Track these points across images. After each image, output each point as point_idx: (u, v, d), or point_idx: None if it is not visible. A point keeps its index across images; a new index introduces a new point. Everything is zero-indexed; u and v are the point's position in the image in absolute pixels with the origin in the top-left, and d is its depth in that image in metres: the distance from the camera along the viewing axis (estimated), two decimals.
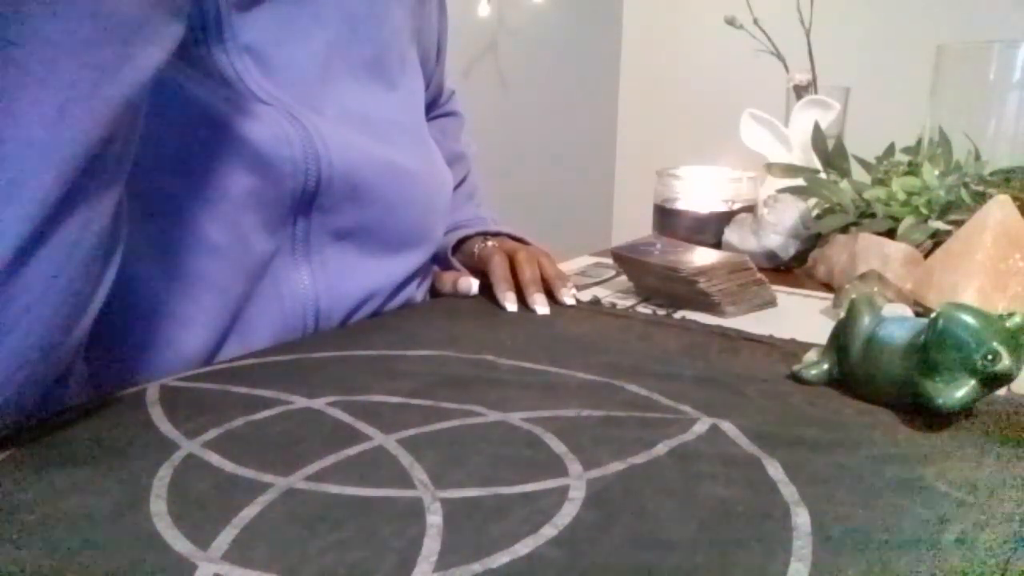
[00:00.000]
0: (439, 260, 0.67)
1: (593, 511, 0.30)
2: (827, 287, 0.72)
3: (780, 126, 0.95)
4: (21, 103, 0.30)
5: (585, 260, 0.83)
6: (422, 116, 0.64)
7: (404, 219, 0.57)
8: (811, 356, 0.46)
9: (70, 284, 0.33)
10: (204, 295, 0.46)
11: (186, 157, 0.45)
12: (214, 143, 0.45)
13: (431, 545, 0.27)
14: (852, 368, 0.43)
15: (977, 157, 0.75)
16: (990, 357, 0.37)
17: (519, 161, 1.50)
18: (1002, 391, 0.42)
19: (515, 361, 0.47)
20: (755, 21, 1.11)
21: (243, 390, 0.41)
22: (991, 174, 0.72)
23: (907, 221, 0.71)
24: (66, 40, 0.30)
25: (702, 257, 0.64)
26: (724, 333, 0.54)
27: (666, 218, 0.87)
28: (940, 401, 0.38)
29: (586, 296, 0.65)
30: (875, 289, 0.59)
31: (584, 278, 0.74)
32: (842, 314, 0.45)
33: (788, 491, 0.32)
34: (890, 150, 0.82)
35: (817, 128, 0.85)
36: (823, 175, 0.84)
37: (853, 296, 0.48)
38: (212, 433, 0.36)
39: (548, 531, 0.28)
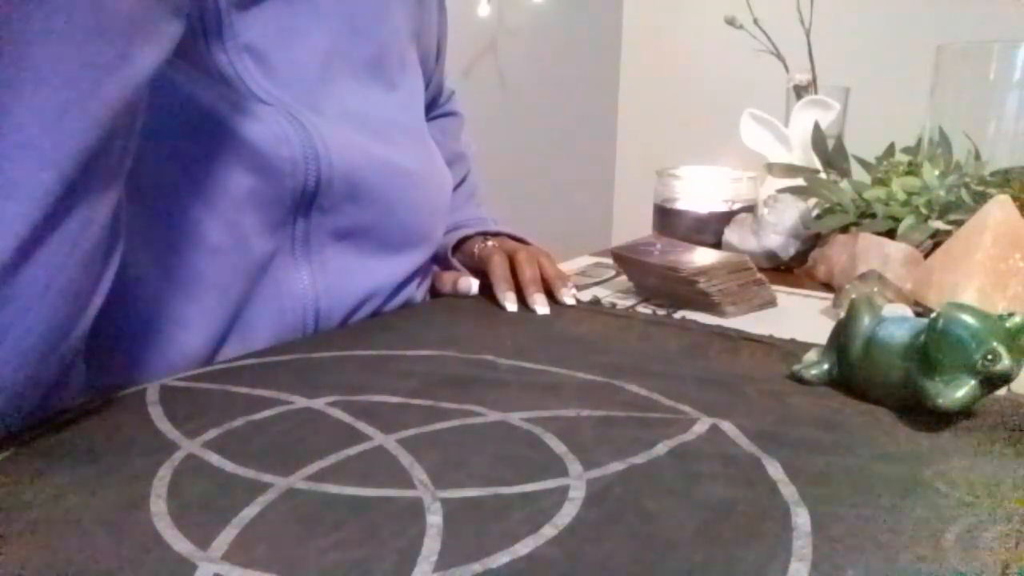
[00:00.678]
0: (439, 260, 0.67)
1: (593, 511, 0.30)
2: (827, 287, 0.72)
3: (780, 126, 0.95)
4: (20, 102, 0.30)
5: (585, 260, 0.83)
6: (422, 116, 0.63)
7: (404, 219, 0.57)
8: (811, 356, 0.46)
9: (70, 284, 0.33)
10: (204, 295, 0.46)
11: (186, 157, 0.45)
12: (214, 143, 0.45)
13: (431, 545, 0.27)
14: (852, 368, 0.43)
15: (977, 157, 0.75)
16: (990, 357, 0.37)
17: (519, 161, 1.50)
18: (1002, 391, 0.42)
19: (515, 361, 0.47)
20: (755, 21, 1.11)
21: (243, 390, 0.41)
22: (991, 174, 0.72)
23: (907, 221, 0.71)
24: (65, 39, 0.30)
25: (702, 257, 0.64)
26: (724, 333, 0.54)
27: (666, 218, 0.87)
28: (940, 401, 0.38)
29: (586, 296, 0.65)
30: (875, 289, 0.59)
31: (584, 278, 0.74)
32: (842, 314, 0.45)
33: (788, 491, 0.32)
34: (890, 150, 0.82)
35: (817, 128, 0.85)
36: (823, 175, 0.84)
37: (853, 296, 0.48)
38: (212, 433, 0.36)
39: (548, 531, 0.28)
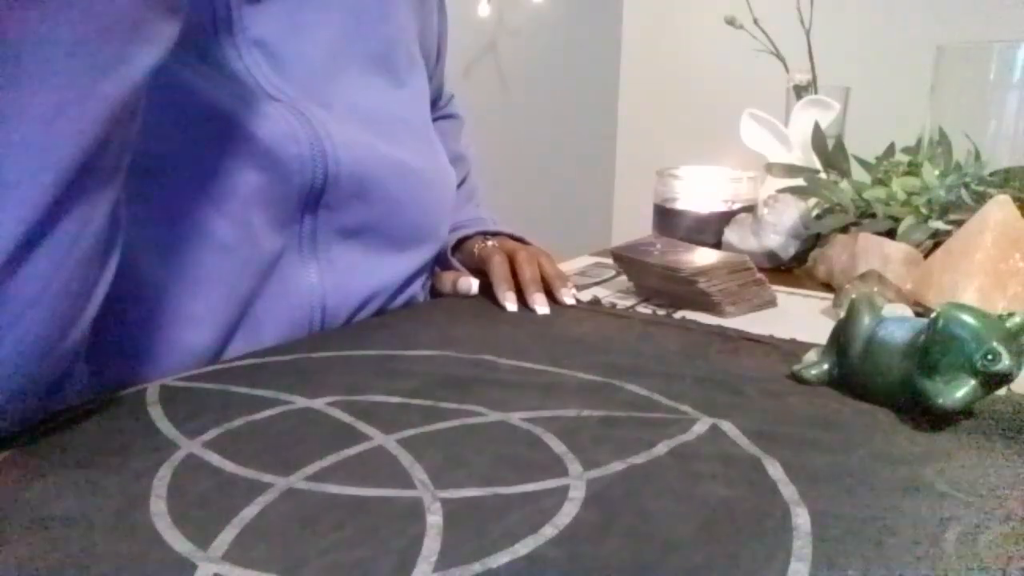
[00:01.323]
0: (439, 260, 0.67)
1: (593, 511, 0.30)
2: (827, 287, 0.72)
3: (780, 126, 0.95)
4: (17, 103, 0.30)
5: (585, 260, 0.83)
6: (428, 115, 0.64)
7: (410, 217, 0.57)
8: (811, 356, 0.46)
9: (67, 285, 0.33)
10: (212, 292, 0.47)
11: (196, 155, 0.45)
12: (223, 141, 0.46)
13: (431, 545, 0.27)
14: (852, 368, 0.43)
15: (977, 157, 0.75)
16: (990, 357, 0.37)
17: (519, 161, 1.50)
18: (1002, 391, 0.42)
19: (515, 361, 0.47)
20: (755, 21, 1.11)
21: (243, 390, 0.41)
22: (991, 174, 0.72)
23: (907, 221, 0.71)
24: (63, 39, 0.30)
25: (702, 257, 0.64)
26: (724, 333, 0.54)
27: (666, 218, 0.87)
28: (940, 401, 0.38)
29: (586, 296, 0.65)
30: (875, 289, 0.59)
31: (584, 278, 0.74)
32: (842, 314, 0.45)
33: (788, 491, 0.32)
34: (890, 150, 0.82)
35: (817, 128, 0.85)
36: (823, 175, 0.84)
37: (853, 296, 0.47)
38: (212, 433, 0.36)
39: (548, 531, 0.28)
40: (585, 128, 1.74)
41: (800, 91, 1.00)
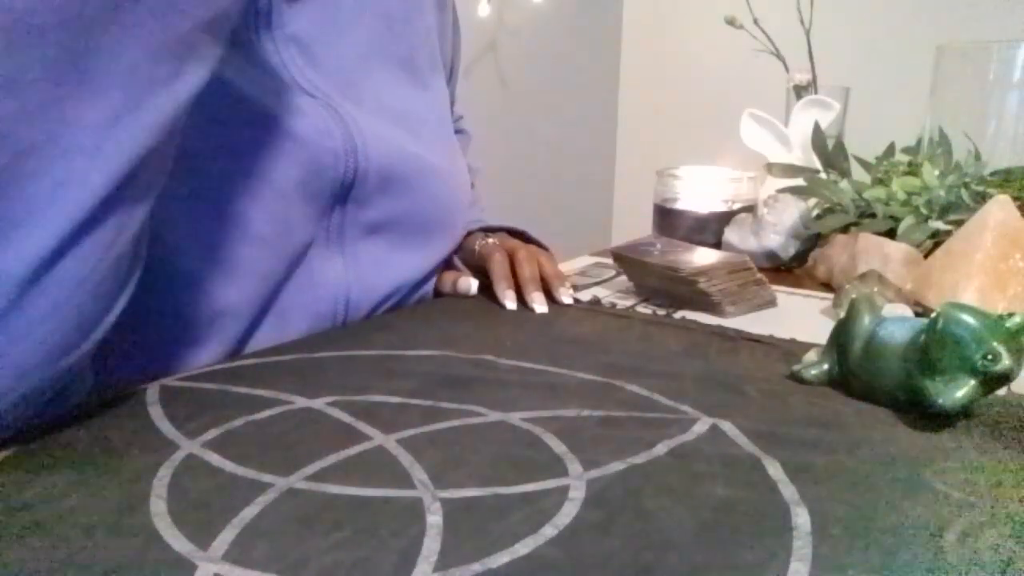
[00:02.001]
0: None
1: (593, 511, 0.30)
2: (827, 287, 0.72)
3: (780, 126, 0.95)
4: (78, 109, 0.31)
5: (585, 260, 0.83)
6: (449, 117, 0.66)
7: (431, 214, 0.59)
8: (811, 356, 0.46)
9: (97, 287, 0.34)
10: (246, 282, 0.48)
11: (235, 149, 0.46)
12: (262, 136, 0.47)
13: (431, 545, 0.27)
14: (852, 368, 0.43)
15: (977, 157, 0.75)
16: (990, 357, 0.37)
17: (519, 161, 1.50)
18: (1002, 391, 0.42)
19: (515, 361, 0.47)
20: (755, 21, 1.11)
21: (243, 390, 0.41)
22: (991, 174, 0.72)
23: (907, 221, 0.71)
24: (128, 55, 0.31)
25: (702, 257, 0.64)
26: (724, 333, 0.54)
27: (666, 218, 0.87)
28: (940, 401, 0.38)
29: (586, 296, 0.65)
30: (875, 289, 0.59)
31: (584, 278, 0.74)
32: (842, 314, 0.45)
33: (788, 491, 0.32)
34: (890, 150, 0.82)
35: (817, 128, 0.85)
36: (823, 175, 0.84)
37: (853, 296, 0.48)
38: (212, 433, 0.36)
39: (548, 531, 0.28)
40: (585, 128, 1.74)
41: (800, 91, 1.00)
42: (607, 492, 0.31)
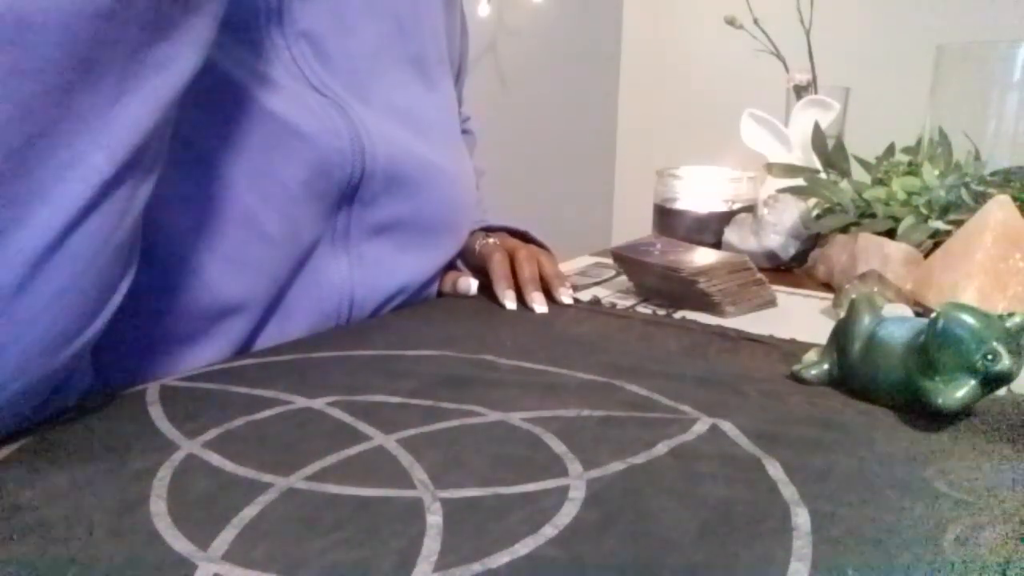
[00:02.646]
0: None
1: (593, 511, 0.30)
2: (827, 287, 0.72)
3: (780, 126, 0.95)
4: (81, 96, 0.31)
5: (585, 260, 0.83)
6: (456, 118, 0.66)
7: (437, 215, 0.59)
8: (811, 356, 0.46)
9: (100, 272, 0.34)
10: (253, 281, 0.48)
11: (246, 150, 0.46)
12: (271, 135, 0.47)
13: (431, 545, 0.27)
14: (852, 368, 0.43)
15: (977, 157, 0.75)
16: (990, 357, 0.37)
17: (519, 161, 1.50)
18: (1002, 391, 0.42)
19: (515, 361, 0.47)
20: (755, 21, 1.11)
21: (243, 390, 0.41)
22: (991, 174, 0.72)
23: (907, 221, 0.71)
24: (128, 40, 0.32)
25: (702, 257, 0.64)
26: (724, 333, 0.54)
27: (666, 218, 0.87)
28: (940, 401, 0.38)
29: (586, 296, 0.65)
30: (875, 289, 0.59)
31: (584, 278, 0.74)
32: (842, 314, 0.45)
33: (788, 491, 0.32)
34: (890, 150, 0.82)
35: (817, 128, 0.85)
36: (823, 175, 0.84)
37: (853, 296, 0.47)
38: (212, 433, 0.36)
39: (548, 531, 0.28)
40: (585, 128, 1.74)
41: (800, 91, 1.00)
42: (607, 492, 0.31)
